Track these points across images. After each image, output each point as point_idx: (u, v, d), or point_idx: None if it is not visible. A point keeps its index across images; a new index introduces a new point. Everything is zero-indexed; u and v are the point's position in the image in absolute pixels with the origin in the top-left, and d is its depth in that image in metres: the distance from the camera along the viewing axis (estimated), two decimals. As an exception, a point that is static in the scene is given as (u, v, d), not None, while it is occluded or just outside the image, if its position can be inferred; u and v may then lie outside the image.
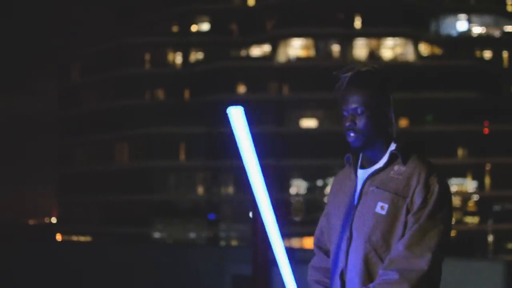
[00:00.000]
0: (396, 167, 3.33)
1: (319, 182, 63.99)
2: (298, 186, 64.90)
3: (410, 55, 65.02)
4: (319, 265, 3.63)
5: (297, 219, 62.77)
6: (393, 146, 3.39)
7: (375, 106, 3.35)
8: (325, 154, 58.78)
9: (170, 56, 69.24)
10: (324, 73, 53.22)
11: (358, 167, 3.47)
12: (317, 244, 3.68)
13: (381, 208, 3.26)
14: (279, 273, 3.41)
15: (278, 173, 60.37)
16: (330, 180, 62.27)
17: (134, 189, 65.87)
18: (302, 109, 63.95)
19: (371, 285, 3.23)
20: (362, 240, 3.29)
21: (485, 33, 68.59)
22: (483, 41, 68.30)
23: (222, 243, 62.49)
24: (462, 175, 64.73)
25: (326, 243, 3.61)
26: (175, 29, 69.50)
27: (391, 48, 65.80)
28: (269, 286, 8.02)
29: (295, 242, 61.42)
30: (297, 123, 64.37)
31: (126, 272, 12.53)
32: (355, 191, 3.41)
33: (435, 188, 3.25)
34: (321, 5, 63.58)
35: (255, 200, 3.25)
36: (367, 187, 3.35)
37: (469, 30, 68.33)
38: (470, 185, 65.40)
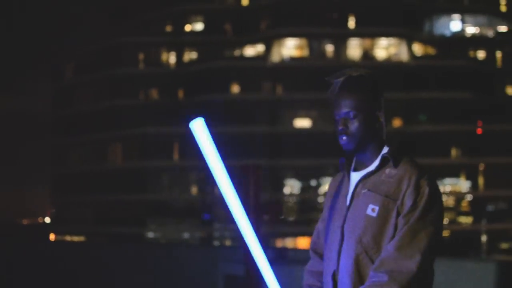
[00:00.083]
0: (387, 170, 3.38)
1: (313, 182, 64.00)
2: (292, 186, 64.90)
3: (404, 55, 65.07)
4: (314, 269, 3.68)
5: (291, 219, 62.82)
6: (385, 150, 3.44)
7: (366, 110, 3.41)
8: (319, 154, 58.83)
9: (164, 56, 69.20)
10: (318, 73, 53.26)
11: (352, 170, 3.52)
12: (313, 248, 3.73)
13: (372, 210, 3.31)
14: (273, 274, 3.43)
15: (272, 173, 60.45)
16: (324, 180, 62.38)
17: (128, 189, 65.83)
18: (296, 109, 63.96)
19: (361, 287, 3.27)
20: (353, 241, 3.33)
21: (478, 33, 68.68)
22: (477, 41, 68.39)
23: (216, 243, 62.48)
24: (456, 175, 64.83)
25: (321, 247, 3.65)
26: (169, 28, 69.48)
27: (385, 48, 65.85)
28: (261, 286, 8.00)
29: (289, 242, 61.50)
30: (291, 123, 64.37)
31: (118, 272, 12.51)
32: (348, 193, 3.46)
33: (425, 190, 3.28)
34: (315, 5, 63.62)
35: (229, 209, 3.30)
36: (359, 189, 3.40)
37: (462, 30, 68.41)
38: (463, 185, 65.48)
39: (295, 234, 60.85)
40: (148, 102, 67.60)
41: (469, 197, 65.25)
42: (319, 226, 3.71)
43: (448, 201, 64.58)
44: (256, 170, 8.59)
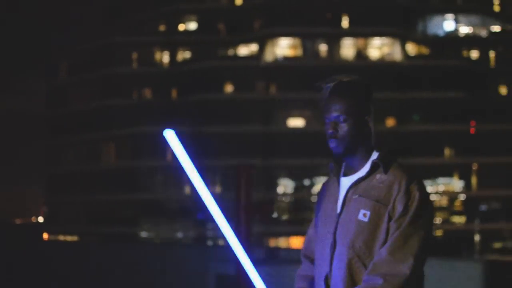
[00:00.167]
0: (378, 176, 3.43)
1: (306, 182, 64.02)
2: (285, 186, 64.92)
3: (397, 55, 65.11)
4: (305, 274, 3.72)
5: (284, 218, 62.82)
6: (375, 155, 3.49)
7: (356, 114, 3.46)
8: (312, 154, 58.77)
9: (158, 55, 69.15)
10: (312, 72, 53.32)
11: (341, 175, 3.56)
12: (304, 252, 3.78)
13: (364, 215, 3.36)
14: (262, 273, 3.46)
15: (265, 172, 60.44)
16: (318, 180, 62.41)
17: (121, 189, 65.75)
18: (289, 109, 63.95)
19: None
20: (345, 246, 3.39)
21: (472, 33, 68.73)
22: (470, 41, 68.45)
23: (209, 242, 62.45)
24: (449, 174, 64.90)
25: (312, 252, 3.69)
26: (162, 28, 69.40)
27: (378, 47, 65.86)
28: (252, 286, 8.00)
29: (282, 242, 61.50)
30: (285, 123, 64.37)
31: (111, 272, 12.50)
32: (338, 199, 3.50)
33: (416, 195, 3.35)
34: (309, 5, 63.61)
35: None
36: (350, 195, 3.45)
37: (456, 30, 68.47)
38: (457, 184, 65.55)
39: (288, 234, 60.85)
40: (141, 101, 67.53)
41: (462, 197, 65.34)
42: (310, 231, 3.75)
43: (441, 200, 64.70)
44: (248, 170, 8.60)
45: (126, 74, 67.83)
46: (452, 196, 65.10)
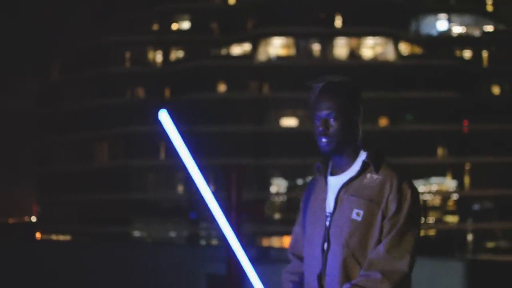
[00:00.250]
0: (368, 175, 3.48)
1: (299, 181, 64.02)
2: (278, 185, 64.92)
3: (390, 55, 65.18)
4: (294, 271, 3.75)
5: (276, 218, 62.82)
6: (363, 155, 3.54)
7: (346, 114, 3.51)
8: (305, 153, 58.65)
9: (151, 55, 69.12)
10: (305, 72, 53.31)
11: (328, 174, 3.61)
12: (291, 251, 3.82)
13: (357, 214, 3.42)
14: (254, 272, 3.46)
15: (258, 172, 60.46)
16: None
17: (114, 188, 65.68)
18: (282, 108, 63.95)
19: (354, 281, 3.37)
20: (339, 245, 3.43)
21: (465, 32, 68.86)
22: (463, 40, 68.58)
23: (203, 242, 62.47)
24: (442, 174, 65.00)
25: (300, 250, 3.73)
26: (155, 27, 69.37)
27: (371, 47, 65.92)
28: (243, 285, 8.00)
29: (275, 241, 61.52)
30: (278, 122, 64.38)
31: (102, 271, 12.48)
32: (326, 198, 3.55)
33: (408, 194, 3.41)
34: (302, 4, 63.63)
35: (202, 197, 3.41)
36: (342, 195, 3.51)
37: (449, 30, 68.60)
38: (449, 184, 65.64)
39: (281, 233, 60.82)
40: (134, 101, 67.45)
41: (455, 196, 65.43)
42: (297, 229, 3.81)
43: (434, 200, 64.79)
44: (238, 169, 8.57)
45: (119, 74, 67.77)
46: (445, 195, 65.20)
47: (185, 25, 68.48)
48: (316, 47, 65.34)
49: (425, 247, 56.84)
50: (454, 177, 65.33)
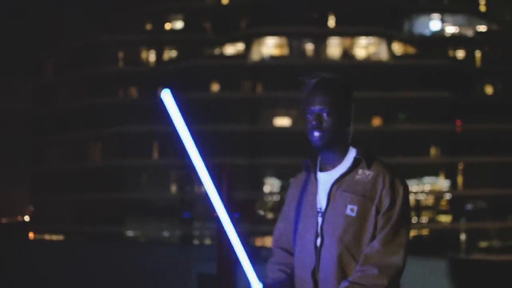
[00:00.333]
0: (360, 171, 3.52)
1: (293, 181, 63.96)
2: (271, 185, 64.91)
3: (383, 54, 65.22)
4: (280, 261, 3.74)
5: (270, 217, 62.80)
6: (353, 151, 3.56)
7: (340, 110, 3.52)
8: (298, 153, 58.57)
9: (144, 54, 69.06)
10: (298, 72, 53.10)
11: (317, 170, 3.63)
12: (276, 246, 3.83)
13: (351, 210, 3.45)
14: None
15: (252, 171, 60.43)
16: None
17: (107, 188, 65.58)
18: (275, 108, 63.94)
19: (350, 278, 3.39)
20: (334, 241, 3.46)
21: (458, 32, 68.95)
22: (456, 40, 68.66)
23: (196, 241, 62.47)
24: (435, 174, 65.04)
25: (285, 244, 3.75)
26: (148, 27, 69.32)
27: (364, 47, 65.96)
28: (233, 285, 8.01)
29: (268, 241, 61.44)
30: (271, 122, 64.38)
31: (94, 271, 12.47)
32: (317, 193, 3.57)
33: (400, 189, 3.46)
34: (295, 4, 63.62)
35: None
36: (334, 191, 3.52)
37: (442, 30, 68.68)
38: (443, 184, 65.69)
39: (275, 233, 60.78)
40: (127, 100, 67.39)
41: (448, 196, 65.48)
42: (280, 225, 3.82)
43: (428, 200, 64.83)
44: (229, 168, 8.57)
45: (112, 73, 67.68)
46: (438, 195, 65.24)
47: (179, 24, 68.45)
48: (309, 47, 65.36)
49: (418, 247, 56.90)
50: (447, 177, 65.38)
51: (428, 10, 68.30)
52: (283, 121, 64.43)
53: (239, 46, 65.76)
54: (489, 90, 67.90)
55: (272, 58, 64.86)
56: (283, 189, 64.28)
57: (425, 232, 63.60)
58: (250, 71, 63.94)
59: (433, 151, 64.77)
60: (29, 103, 78.23)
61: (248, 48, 64.89)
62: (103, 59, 68.00)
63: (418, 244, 58.95)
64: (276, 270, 3.70)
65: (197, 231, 63.88)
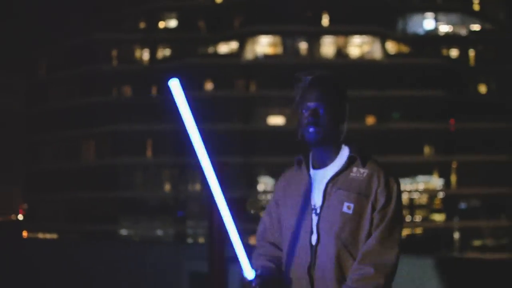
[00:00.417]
0: (355, 169, 3.54)
1: (287, 180, 63.96)
2: (265, 184, 64.89)
3: (377, 53, 65.26)
4: (269, 254, 3.75)
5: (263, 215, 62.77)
6: (346, 149, 3.59)
7: (335, 107, 3.55)
8: (292, 152, 58.36)
9: (138, 53, 68.99)
10: (292, 70, 53.12)
11: (310, 167, 3.67)
12: (262, 239, 3.83)
13: (348, 208, 3.48)
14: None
15: (245, 170, 60.44)
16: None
17: (101, 187, 65.52)
18: (269, 107, 63.95)
19: (348, 281, 3.42)
20: (331, 239, 3.48)
21: (451, 31, 69.03)
22: (450, 39, 68.74)
23: (190, 240, 62.47)
24: (429, 172, 65.10)
25: (270, 238, 3.77)
26: (142, 25, 69.25)
27: (358, 46, 65.99)
28: (225, 283, 8.00)
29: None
30: (264, 121, 64.38)
31: (86, 269, 12.45)
32: (311, 191, 3.59)
33: (394, 187, 3.51)
34: (289, 3, 63.64)
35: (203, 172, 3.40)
36: (329, 189, 3.54)
37: (436, 29, 68.76)
38: (436, 182, 65.75)
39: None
40: (121, 99, 67.30)
41: (441, 195, 65.55)
42: (265, 218, 3.83)
43: (421, 198, 64.88)
44: (219, 166, 8.54)
45: (106, 72, 67.58)
46: (431, 194, 65.31)
47: (172, 23, 68.40)
48: (303, 46, 65.36)
49: (412, 246, 56.96)
50: (441, 176, 65.45)
51: (422, 9, 68.36)
52: (277, 120, 64.44)
53: (233, 45, 65.75)
54: (482, 89, 68.01)
55: (266, 56, 64.86)
56: (277, 187, 64.28)
57: (418, 230, 63.65)
58: (244, 70, 63.94)
59: (427, 149, 64.84)
60: (22, 102, 78.13)
61: (242, 47, 64.89)
62: (96, 57, 67.90)
63: (412, 242, 59.02)
64: (264, 260, 3.69)
65: (191, 230, 63.85)
